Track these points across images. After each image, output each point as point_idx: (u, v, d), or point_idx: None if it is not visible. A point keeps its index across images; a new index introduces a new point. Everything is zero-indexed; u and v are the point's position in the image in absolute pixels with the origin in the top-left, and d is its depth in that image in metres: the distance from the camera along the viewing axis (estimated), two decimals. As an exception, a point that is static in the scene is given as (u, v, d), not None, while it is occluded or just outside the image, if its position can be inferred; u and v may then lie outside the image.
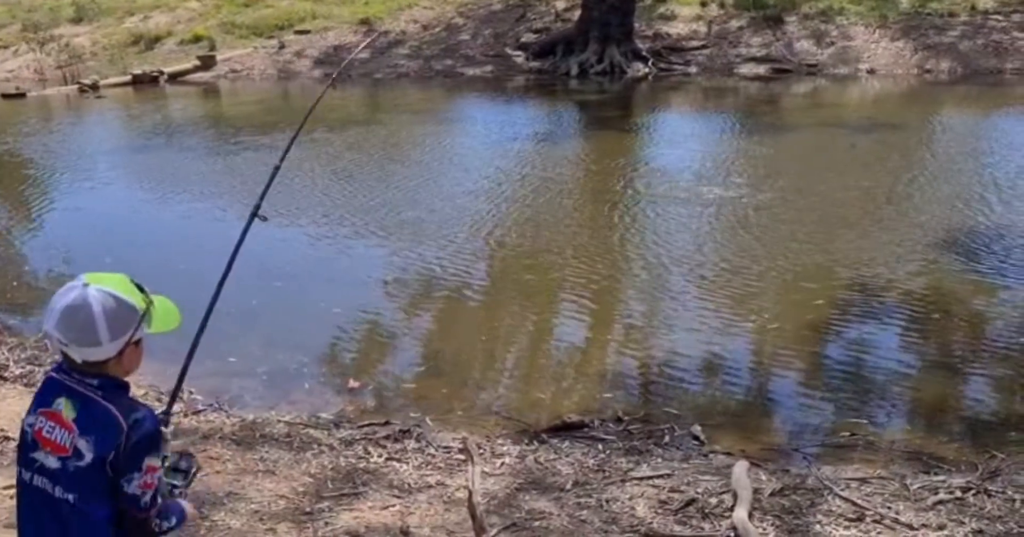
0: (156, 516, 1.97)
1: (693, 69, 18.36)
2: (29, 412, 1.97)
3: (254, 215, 2.81)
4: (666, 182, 10.02)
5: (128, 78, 19.11)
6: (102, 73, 19.48)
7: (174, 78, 19.42)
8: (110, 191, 10.73)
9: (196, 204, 9.65)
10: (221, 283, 2.59)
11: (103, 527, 1.92)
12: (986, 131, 12.91)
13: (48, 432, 1.92)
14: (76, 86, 18.40)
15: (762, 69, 17.95)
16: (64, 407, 1.92)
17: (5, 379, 5.35)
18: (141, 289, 1.99)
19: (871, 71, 17.40)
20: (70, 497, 1.89)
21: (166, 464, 2.07)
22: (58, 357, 1.99)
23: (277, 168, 2.99)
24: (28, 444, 1.95)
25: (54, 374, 1.99)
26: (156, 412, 2.00)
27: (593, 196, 9.88)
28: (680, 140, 12.58)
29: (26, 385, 5.27)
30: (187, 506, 2.11)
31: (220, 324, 5.74)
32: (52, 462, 1.90)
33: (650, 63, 18.42)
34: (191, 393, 5.04)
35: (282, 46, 20.53)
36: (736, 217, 8.56)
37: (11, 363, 5.58)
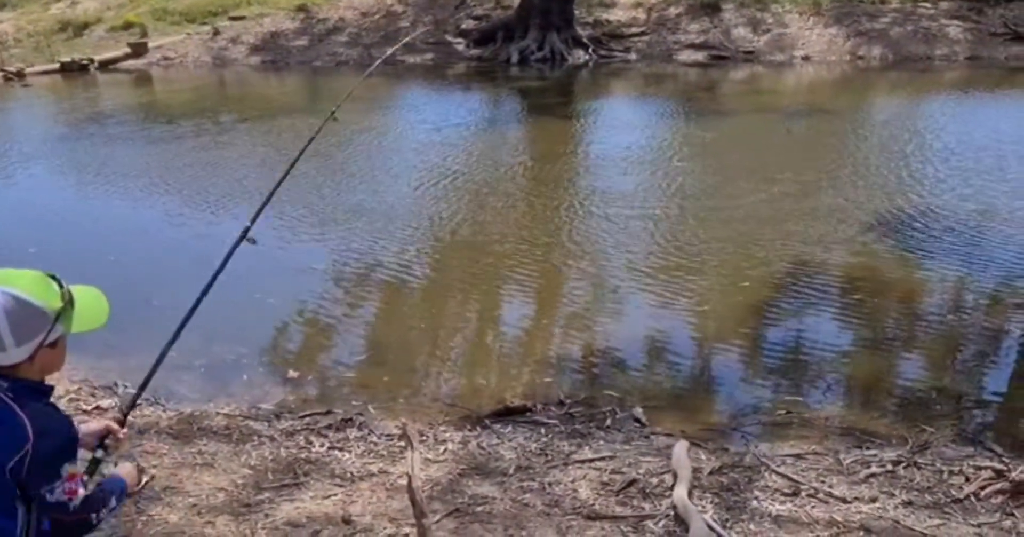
0: (92, 511, 1.88)
1: (633, 56, 18.50)
2: None
3: (242, 237, 2.78)
4: (607, 168, 10.09)
5: (56, 66, 18.51)
6: (28, 60, 18.84)
7: (104, 66, 18.87)
8: (36, 181, 10.41)
9: (125, 194, 9.44)
10: (198, 301, 2.52)
11: (7, 534, 1.80)
12: (916, 116, 13.26)
13: None
14: (0, 74, 17.76)
15: (700, 56, 18.17)
16: None
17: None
18: (60, 285, 1.87)
19: (806, 58, 17.73)
20: None
21: (87, 468, 1.99)
22: None
23: (271, 193, 3.09)
24: None
25: None
26: (115, 410, 1.91)
27: (535, 183, 9.89)
28: (621, 126, 12.66)
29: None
30: (124, 472, 2.02)
31: (153, 316, 5.65)
32: None
33: (590, 50, 18.50)
34: (125, 387, 4.92)
35: (216, 33, 20.08)
36: (675, 202, 8.66)
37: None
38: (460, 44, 19.36)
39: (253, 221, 2.81)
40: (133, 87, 17.84)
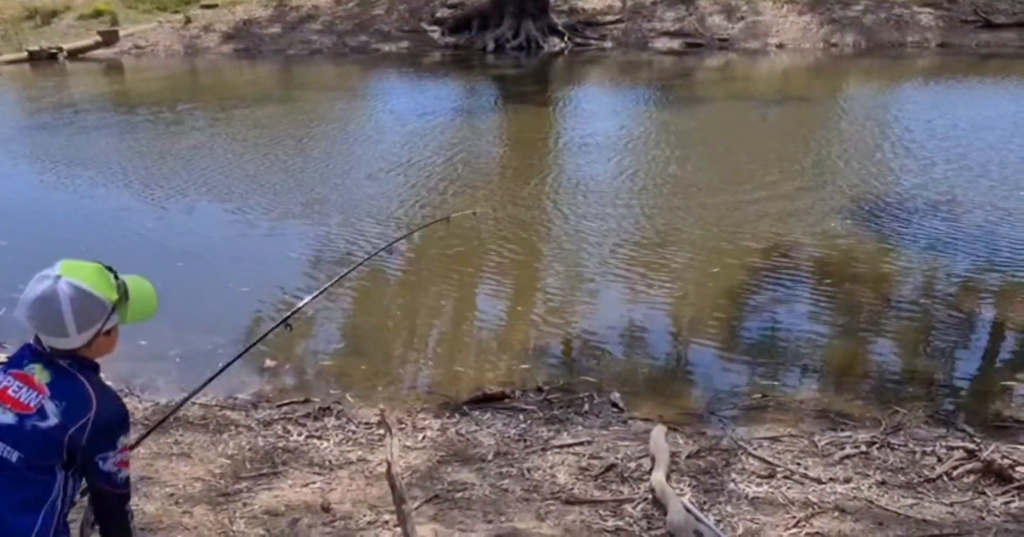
0: (129, 489, 2.04)
1: (608, 43, 18.49)
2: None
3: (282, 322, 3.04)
4: (583, 156, 10.09)
5: (24, 55, 18.22)
6: (-5, 50, 18.53)
7: (74, 55, 18.60)
8: (4, 172, 10.26)
9: (95, 184, 9.34)
10: None
11: (41, 488, 1.92)
12: (889, 102, 13.38)
13: (15, 391, 1.94)
14: (-34, 63, 17.47)
15: (675, 43, 18.19)
16: (38, 372, 1.95)
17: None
18: (116, 276, 2.01)
19: (780, 45, 17.81)
20: (13, 456, 1.90)
21: None
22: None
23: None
24: None
25: (33, 344, 2.01)
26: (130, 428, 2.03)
27: (511, 171, 9.88)
28: (597, 114, 12.67)
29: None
30: None
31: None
32: (7, 418, 1.91)
33: (566, 38, 18.47)
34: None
35: (188, 21, 19.84)
36: (652, 188, 8.69)
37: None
38: (435, 32, 19.25)
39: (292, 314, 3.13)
40: (103, 76, 17.59)
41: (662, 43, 18.24)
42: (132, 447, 2.19)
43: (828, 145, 10.27)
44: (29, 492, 1.91)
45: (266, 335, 2.90)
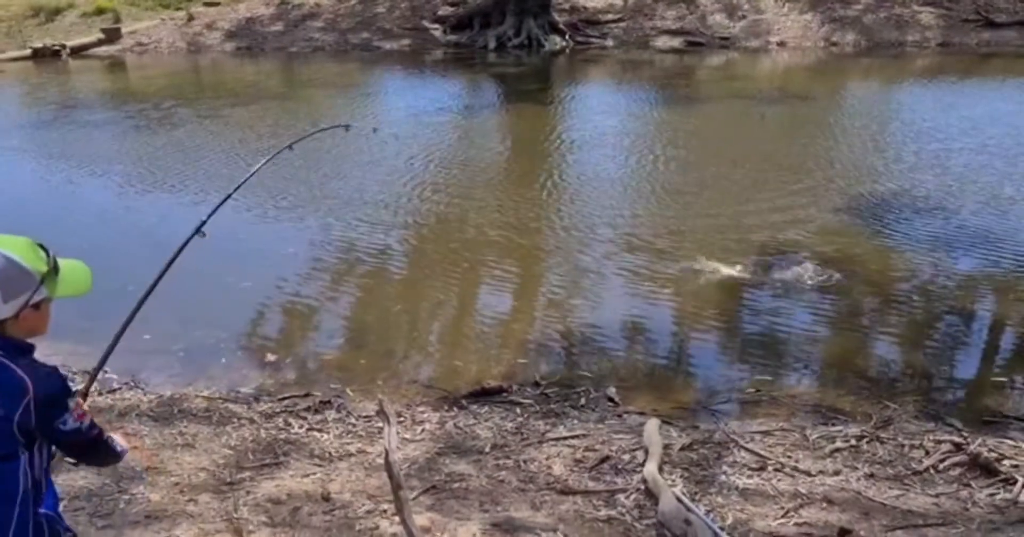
0: (101, 429, 2.05)
1: (610, 42, 18.56)
2: None
3: (196, 231, 2.96)
4: (583, 154, 10.17)
5: (28, 52, 18.33)
6: (-1, 47, 18.64)
7: (77, 52, 18.70)
8: (5, 168, 10.36)
9: (95, 181, 9.44)
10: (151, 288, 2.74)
11: (9, 477, 1.93)
12: (888, 102, 13.45)
13: None
14: (-29, 60, 17.58)
15: (677, 42, 18.26)
16: None
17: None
18: (47, 253, 1.99)
19: (781, 44, 17.88)
20: None
21: None
22: None
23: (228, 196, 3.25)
24: None
25: None
26: (72, 389, 2.03)
27: (512, 168, 9.97)
28: (598, 112, 12.74)
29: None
30: (119, 441, 2.17)
31: (131, 302, 5.68)
32: None
33: (567, 36, 18.54)
34: (105, 372, 4.95)
35: (191, 18, 19.93)
36: (650, 186, 8.77)
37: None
38: (437, 30, 19.32)
39: (208, 216, 3.02)
40: (106, 73, 17.69)
41: (663, 41, 18.31)
42: (84, 397, 2.21)
43: (826, 143, 10.33)
44: (2, 484, 1.92)
45: (182, 247, 2.89)
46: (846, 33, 17.94)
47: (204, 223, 2.97)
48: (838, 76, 15.81)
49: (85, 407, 2.06)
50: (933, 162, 9.16)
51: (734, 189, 8.48)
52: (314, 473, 3.80)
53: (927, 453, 4.00)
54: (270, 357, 5.39)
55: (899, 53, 17.13)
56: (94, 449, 2.08)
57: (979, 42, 17.33)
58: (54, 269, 1.98)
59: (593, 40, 18.64)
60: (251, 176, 3.37)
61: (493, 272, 6.73)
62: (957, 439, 4.09)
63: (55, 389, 1.95)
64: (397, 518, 3.20)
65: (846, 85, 15.05)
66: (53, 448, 2.05)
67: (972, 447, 3.95)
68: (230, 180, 9.22)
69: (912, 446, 4.08)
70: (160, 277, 2.78)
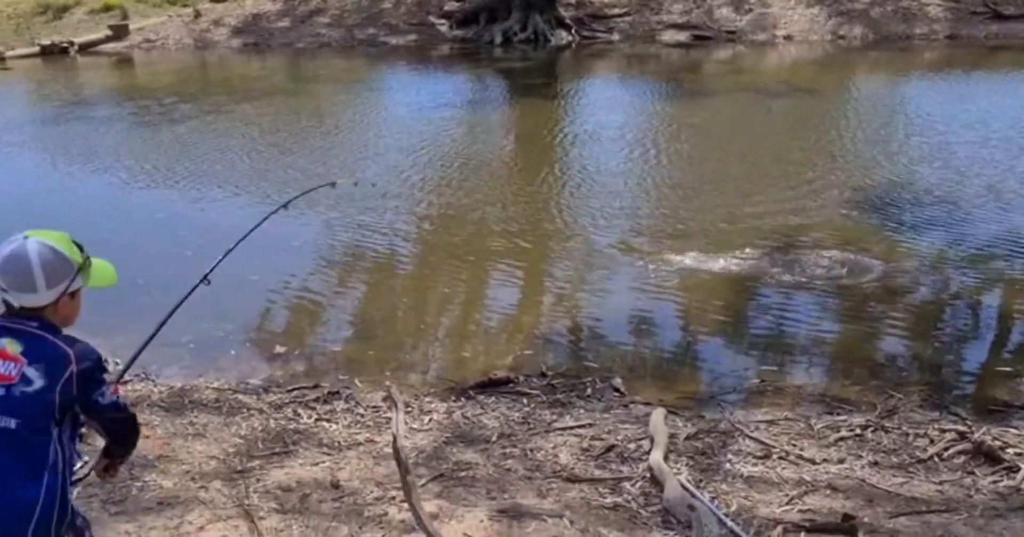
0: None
1: (616, 36, 18.55)
2: None
3: (201, 280, 3.20)
4: (590, 148, 10.19)
5: (36, 49, 18.42)
6: (8, 43, 18.73)
7: (85, 49, 18.79)
8: (18, 165, 10.44)
9: (106, 177, 9.49)
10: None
11: (33, 463, 2.02)
12: (895, 95, 13.41)
13: None
14: (-21, 58, 17.67)
15: (683, 36, 18.24)
16: (8, 344, 2.05)
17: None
18: (80, 248, 2.16)
19: (787, 37, 17.84)
20: (12, 423, 2.01)
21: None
22: None
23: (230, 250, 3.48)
24: None
25: None
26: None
27: (518, 163, 9.99)
28: (604, 107, 12.75)
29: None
30: None
31: (140, 295, 5.74)
32: None
33: (573, 31, 18.54)
34: (116, 364, 5.01)
35: (198, 15, 19.99)
36: (656, 180, 8.79)
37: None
38: (443, 25, 19.35)
39: (211, 271, 3.25)
40: (114, 70, 17.77)
41: (669, 36, 18.29)
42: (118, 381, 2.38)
43: (832, 137, 10.33)
44: (33, 458, 2.03)
45: (188, 295, 3.02)
46: (853, 26, 17.90)
47: (209, 273, 3.22)
48: (845, 69, 15.77)
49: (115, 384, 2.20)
50: (938, 156, 9.16)
51: (740, 182, 8.50)
52: (323, 462, 3.84)
53: (931, 442, 4.02)
54: (278, 349, 5.44)
55: (907, 46, 17.08)
56: (130, 425, 2.22)
57: (987, 35, 17.27)
58: (87, 260, 2.15)
59: (599, 35, 18.63)
60: (251, 232, 3.50)
61: (499, 265, 6.77)
62: (961, 428, 4.11)
63: (94, 362, 2.09)
64: (405, 504, 3.25)
65: (853, 78, 15.02)
66: (81, 429, 2.14)
67: (976, 436, 3.97)
68: (230, 177, 9.30)
69: (916, 435, 4.11)
70: (166, 320, 2.98)
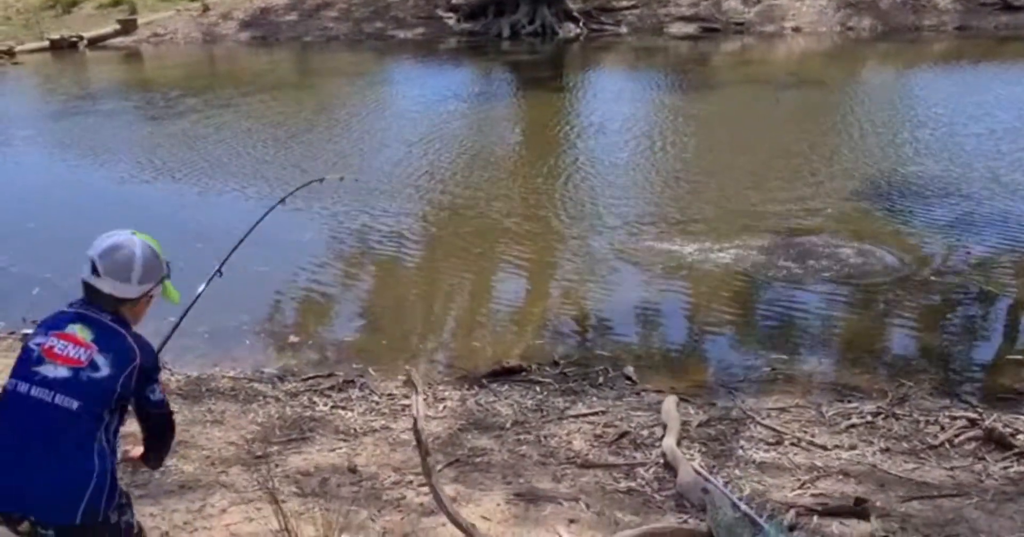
0: None
1: (624, 29, 18.53)
2: (34, 337, 2.20)
3: (215, 274, 3.27)
4: (598, 140, 10.21)
5: (46, 43, 18.48)
6: (17, 38, 18.79)
7: (94, 43, 18.84)
8: (30, 158, 10.51)
9: (120, 170, 9.55)
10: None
11: (88, 446, 2.11)
12: (904, 87, 13.39)
13: (61, 349, 2.14)
14: (-10, 52, 17.73)
15: (691, 28, 18.21)
16: (79, 330, 2.16)
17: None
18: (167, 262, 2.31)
19: (796, 29, 17.80)
20: (74, 405, 2.10)
21: None
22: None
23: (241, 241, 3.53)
24: (32, 360, 2.15)
25: (66, 309, 2.23)
26: None
27: (527, 154, 10.02)
28: (612, 99, 12.76)
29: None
30: None
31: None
32: (61, 372, 2.12)
33: (581, 23, 18.53)
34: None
35: (206, 9, 20.03)
36: (665, 171, 8.81)
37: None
38: (451, 18, 19.35)
39: (223, 263, 3.31)
40: (123, 64, 17.82)
41: (677, 28, 18.26)
42: None
43: (842, 128, 10.33)
44: (88, 440, 2.11)
45: (204, 288, 3.08)
46: (862, 18, 17.84)
47: (221, 266, 3.31)
48: (854, 61, 15.74)
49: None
50: (946, 147, 9.15)
51: (749, 174, 8.51)
52: (340, 448, 3.89)
53: (942, 428, 4.05)
54: (292, 339, 5.50)
55: (916, 38, 17.03)
56: (169, 425, 2.33)
57: (997, 26, 17.19)
58: (168, 273, 2.31)
59: (607, 27, 18.61)
60: (255, 226, 3.57)
61: (508, 256, 6.80)
62: (972, 415, 4.14)
63: (153, 360, 2.23)
64: (423, 488, 3.29)
65: (862, 70, 14.99)
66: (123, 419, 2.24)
67: (987, 422, 4.00)
68: (238, 170, 9.35)
69: (928, 422, 4.14)
70: (186, 312, 3.04)
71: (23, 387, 2.13)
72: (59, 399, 2.10)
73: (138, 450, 2.37)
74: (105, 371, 2.12)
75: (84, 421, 2.11)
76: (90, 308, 2.20)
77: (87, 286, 2.20)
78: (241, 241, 3.60)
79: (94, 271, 2.18)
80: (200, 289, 3.11)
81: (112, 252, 2.19)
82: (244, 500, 3.31)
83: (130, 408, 2.23)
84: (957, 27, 17.32)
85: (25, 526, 2.11)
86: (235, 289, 6.19)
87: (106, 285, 2.18)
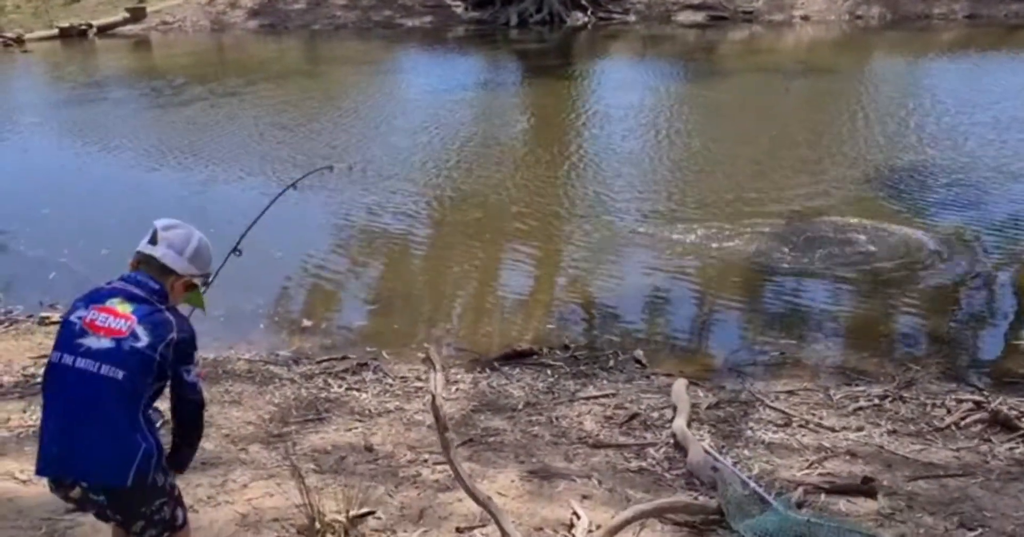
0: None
1: (632, 17, 18.53)
2: (75, 311, 2.28)
3: (232, 251, 3.48)
4: (606, 127, 10.25)
5: (55, 31, 18.54)
6: (27, 26, 18.86)
7: (103, 31, 18.90)
8: (41, 146, 10.59)
9: (128, 157, 9.62)
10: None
11: (134, 414, 2.20)
12: (912, 76, 13.38)
13: (102, 321, 2.23)
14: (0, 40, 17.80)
15: (699, 16, 18.20)
16: (119, 304, 2.25)
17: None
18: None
19: (805, 18, 17.77)
20: (119, 374, 2.19)
21: None
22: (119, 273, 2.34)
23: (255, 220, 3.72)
24: (75, 333, 2.23)
25: (104, 285, 2.32)
26: None
27: (535, 141, 10.06)
28: (620, 87, 12.79)
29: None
30: None
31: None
32: (104, 343, 2.20)
33: (589, 12, 18.52)
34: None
35: (215, -4, 20.06)
36: (674, 158, 8.85)
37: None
38: (459, 7, 19.35)
39: (240, 241, 3.56)
40: (132, 52, 17.88)
41: (685, 16, 18.25)
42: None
43: (850, 116, 10.35)
44: (134, 408, 2.20)
45: (221, 266, 3.17)
46: (871, 6, 17.80)
47: (239, 243, 3.54)
48: (863, 50, 15.72)
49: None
50: (954, 136, 9.17)
51: (758, 161, 8.54)
52: (356, 427, 3.97)
53: (949, 411, 4.11)
54: (306, 323, 5.57)
55: (925, 26, 17.00)
56: (199, 411, 2.39)
57: (1007, 14, 17.15)
58: (208, 277, 2.46)
59: (615, 15, 18.61)
60: (266, 210, 3.66)
61: (517, 243, 6.85)
62: (978, 398, 4.20)
63: (189, 336, 2.30)
64: (438, 466, 3.37)
65: (871, 59, 14.99)
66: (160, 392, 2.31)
67: (993, 405, 4.06)
68: (246, 157, 9.41)
69: (934, 405, 4.20)
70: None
71: (68, 359, 2.20)
72: (105, 369, 2.18)
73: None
74: (145, 340, 2.20)
75: (129, 390, 2.18)
76: (131, 282, 2.29)
77: (140, 255, 2.32)
78: (255, 221, 3.67)
79: (152, 240, 2.31)
80: (219, 266, 3.17)
81: (175, 227, 2.36)
82: (265, 476, 3.39)
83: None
84: (967, 16, 17.28)
85: (77, 492, 2.21)
86: (250, 274, 6.28)
87: (160, 251, 2.30)
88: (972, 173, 7.93)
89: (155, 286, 2.29)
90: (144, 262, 2.32)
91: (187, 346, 2.27)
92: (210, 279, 2.49)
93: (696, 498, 3.27)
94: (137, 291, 2.27)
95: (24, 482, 3.34)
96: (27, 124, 11.51)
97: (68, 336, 2.23)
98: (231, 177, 8.76)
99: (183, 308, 2.43)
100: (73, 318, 2.26)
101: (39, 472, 2.26)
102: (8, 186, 9.00)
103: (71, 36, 18.46)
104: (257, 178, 8.61)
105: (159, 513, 2.28)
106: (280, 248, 6.76)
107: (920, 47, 15.49)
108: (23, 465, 3.46)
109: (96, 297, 2.28)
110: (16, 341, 5.17)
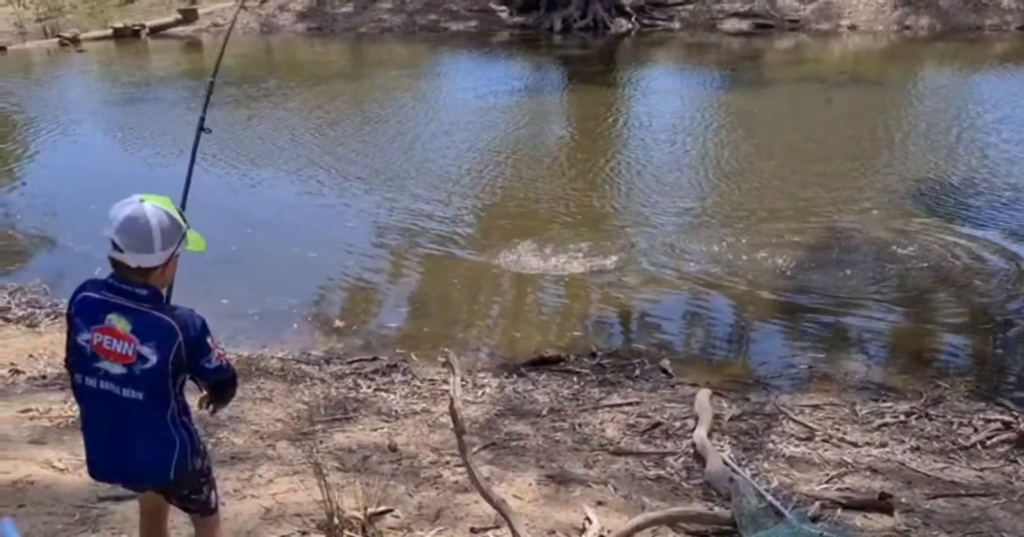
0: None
1: (676, 25, 18.47)
2: (79, 331, 2.25)
3: (200, 129, 3.59)
4: (647, 135, 10.25)
5: (109, 32, 19.01)
6: (83, 26, 19.37)
7: (155, 32, 19.34)
8: (93, 143, 10.88)
9: (172, 153, 9.83)
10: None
11: (163, 420, 2.27)
12: (961, 88, 13.15)
13: (108, 344, 2.21)
14: (56, 40, 18.30)
15: (745, 24, 18.08)
16: (117, 322, 2.20)
17: (8, 320, 5.60)
18: (180, 214, 2.30)
19: (852, 27, 17.57)
20: (140, 395, 2.23)
21: None
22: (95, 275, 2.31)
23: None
24: (88, 357, 2.24)
25: (91, 294, 2.25)
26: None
27: (574, 148, 10.11)
28: (663, 95, 12.77)
29: (29, 326, 5.52)
30: None
31: (208, 267, 6.02)
32: (117, 369, 2.21)
33: (633, 18, 18.51)
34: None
35: (264, 0, 20.41)
36: (713, 167, 8.83)
37: (13, 306, 5.83)
38: (503, 12, 19.46)
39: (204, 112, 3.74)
40: (184, 53, 18.27)
41: (731, 24, 18.15)
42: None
43: (893, 129, 10.23)
44: (163, 414, 2.26)
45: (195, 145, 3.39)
46: (920, 16, 17.54)
47: (203, 120, 3.68)
48: (911, 61, 15.50)
49: (221, 346, 2.37)
50: (1003, 151, 9.02)
51: (796, 170, 8.49)
52: (381, 428, 4.06)
53: (975, 430, 4.08)
54: (338, 323, 5.69)
55: (976, 37, 16.70)
56: (232, 384, 2.41)
57: (1062, 26, 16.77)
58: (188, 226, 2.30)
59: (659, 23, 18.57)
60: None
61: (551, 247, 6.89)
62: (1007, 418, 4.16)
63: (197, 330, 2.25)
64: (459, 469, 3.43)
65: (918, 70, 14.76)
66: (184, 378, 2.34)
67: (1022, 425, 4.01)
68: (291, 159, 9.58)
69: (961, 423, 4.16)
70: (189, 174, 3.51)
71: (91, 381, 2.24)
72: (126, 393, 2.21)
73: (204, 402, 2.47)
74: (153, 358, 2.19)
75: (153, 403, 2.24)
76: (122, 287, 2.21)
77: (114, 262, 2.22)
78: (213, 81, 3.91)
79: (116, 248, 2.19)
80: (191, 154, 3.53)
81: (128, 227, 2.17)
82: (290, 472, 3.48)
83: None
84: (1020, 27, 16.94)
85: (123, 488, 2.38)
86: (285, 274, 6.47)
87: (131, 259, 2.18)
88: (1016, 191, 7.80)
89: (142, 293, 2.22)
90: (122, 268, 2.22)
91: (198, 341, 2.23)
92: (187, 222, 2.30)
93: (711, 508, 3.30)
94: (128, 303, 2.21)
95: (62, 471, 3.48)
96: (78, 120, 11.83)
97: (83, 360, 2.25)
98: (276, 179, 8.93)
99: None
100: (81, 341, 2.24)
101: (90, 474, 2.37)
102: (58, 181, 9.28)
103: (125, 36, 18.92)
104: (302, 181, 8.76)
105: (199, 492, 2.41)
106: (316, 250, 6.92)
107: (970, 59, 15.22)
108: (61, 454, 3.61)
109: (89, 315, 2.22)
110: (62, 334, 5.31)
